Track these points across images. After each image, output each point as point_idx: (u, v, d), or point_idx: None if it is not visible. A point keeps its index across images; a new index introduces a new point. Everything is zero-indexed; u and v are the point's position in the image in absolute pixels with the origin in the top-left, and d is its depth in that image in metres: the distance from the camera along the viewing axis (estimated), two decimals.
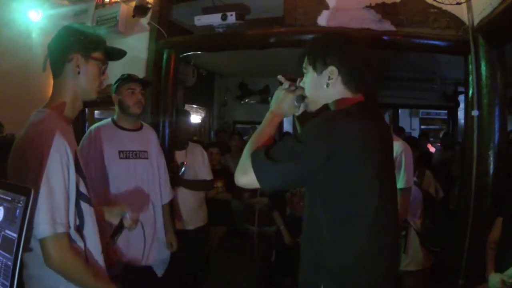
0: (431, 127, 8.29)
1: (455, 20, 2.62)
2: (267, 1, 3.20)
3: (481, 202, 2.46)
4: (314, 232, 1.25)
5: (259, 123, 1.35)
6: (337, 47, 1.27)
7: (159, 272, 2.31)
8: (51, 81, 1.37)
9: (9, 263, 0.91)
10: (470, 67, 2.53)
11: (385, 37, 2.65)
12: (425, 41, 2.65)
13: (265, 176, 1.14)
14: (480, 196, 2.47)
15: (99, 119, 2.42)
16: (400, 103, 6.93)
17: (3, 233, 0.95)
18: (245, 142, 4.70)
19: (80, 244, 1.26)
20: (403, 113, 7.76)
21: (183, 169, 3.00)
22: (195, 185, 3.07)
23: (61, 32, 1.36)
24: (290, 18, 2.89)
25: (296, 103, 1.34)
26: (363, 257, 1.17)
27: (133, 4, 3.06)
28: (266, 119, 1.33)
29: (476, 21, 2.48)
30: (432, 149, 6.04)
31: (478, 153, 2.48)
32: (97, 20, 3.20)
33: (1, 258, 0.93)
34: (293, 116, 1.43)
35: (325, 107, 1.32)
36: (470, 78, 2.53)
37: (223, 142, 5.19)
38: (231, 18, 2.78)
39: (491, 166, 2.43)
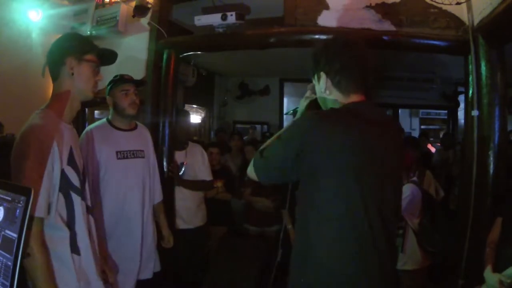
0: (431, 127, 8.31)
1: (455, 20, 2.62)
2: (267, 1, 3.19)
3: (481, 202, 2.45)
4: (302, 230, 1.27)
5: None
6: (323, 52, 1.32)
7: (148, 274, 2.28)
8: (51, 81, 1.45)
9: (9, 263, 0.91)
10: (470, 67, 2.52)
11: (385, 37, 2.64)
12: (425, 41, 2.64)
13: (259, 172, 1.32)
14: (480, 196, 2.46)
15: (99, 119, 2.41)
16: (400, 103, 6.95)
17: (3, 233, 0.95)
18: (244, 142, 4.72)
19: (62, 233, 1.33)
20: (403, 113, 7.78)
21: (183, 169, 3.00)
22: (194, 185, 3.08)
23: (57, 40, 1.50)
24: (290, 18, 2.89)
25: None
26: (344, 258, 1.17)
27: (133, 4, 3.05)
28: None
29: (476, 21, 2.47)
30: (432, 149, 6.06)
31: (478, 153, 2.47)
32: (97, 20, 3.19)
33: (1, 258, 0.94)
34: None
35: None
36: (470, 78, 2.52)
37: (223, 142, 5.20)
38: (231, 18, 2.78)
39: (491, 166, 2.42)
